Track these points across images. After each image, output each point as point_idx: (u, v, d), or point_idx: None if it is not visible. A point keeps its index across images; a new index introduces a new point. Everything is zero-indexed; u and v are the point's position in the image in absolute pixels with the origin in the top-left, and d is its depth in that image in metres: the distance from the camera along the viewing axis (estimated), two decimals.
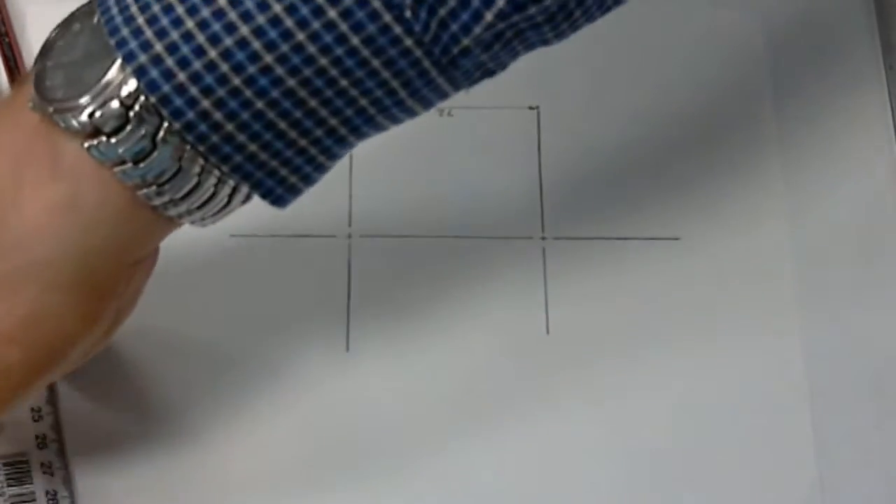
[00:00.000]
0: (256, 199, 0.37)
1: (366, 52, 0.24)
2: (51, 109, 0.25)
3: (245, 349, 0.36)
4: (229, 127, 0.24)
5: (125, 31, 0.23)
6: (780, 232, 0.38)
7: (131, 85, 0.24)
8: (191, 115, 0.24)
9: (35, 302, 0.26)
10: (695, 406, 0.36)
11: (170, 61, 0.23)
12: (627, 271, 0.37)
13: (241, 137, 0.24)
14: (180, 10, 0.23)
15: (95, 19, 0.24)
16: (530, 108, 0.39)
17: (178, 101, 0.23)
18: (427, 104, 0.27)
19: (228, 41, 0.23)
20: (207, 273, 0.37)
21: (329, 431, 0.35)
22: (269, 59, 0.23)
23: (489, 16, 0.24)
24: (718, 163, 0.39)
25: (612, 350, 0.36)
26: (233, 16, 0.23)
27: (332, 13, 0.23)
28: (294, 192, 0.27)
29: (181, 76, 0.23)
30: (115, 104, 0.24)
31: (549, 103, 0.39)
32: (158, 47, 0.23)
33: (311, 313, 0.37)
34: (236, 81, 0.23)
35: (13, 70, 0.39)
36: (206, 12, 0.23)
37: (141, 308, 0.36)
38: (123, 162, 0.24)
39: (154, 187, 0.25)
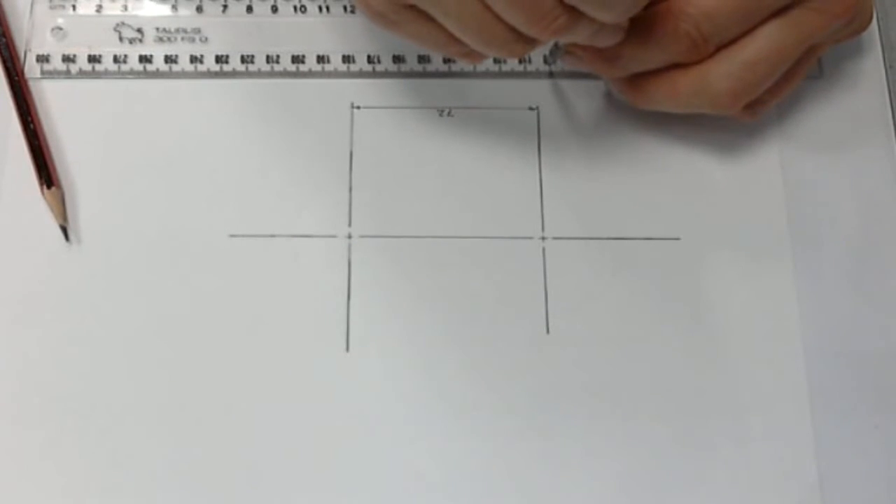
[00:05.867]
0: (256, 199, 0.38)
1: None
2: None
3: (244, 349, 0.36)
4: None
5: None
6: (779, 231, 0.38)
7: None
8: None
9: None
10: (694, 406, 0.36)
11: None
12: (627, 271, 0.37)
13: None
14: None
15: None
16: (530, 108, 0.39)
17: None
18: None
19: None
20: (207, 273, 0.37)
21: (329, 431, 0.35)
22: None
23: None
24: (718, 163, 0.39)
25: (612, 350, 0.36)
26: None
27: None
28: None
29: None
30: None
31: (549, 103, 0.39)
32: None
33: (311, 313, 0.37)
34: None
35: (12, 72, 0.39)
36: None
37: (141, 307, 0.36)
38: None
39: None
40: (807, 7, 0.34)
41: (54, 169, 0.38)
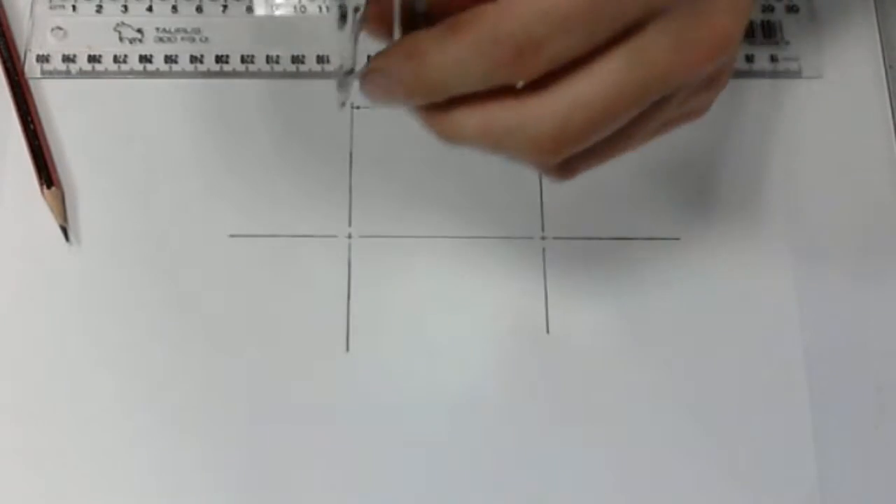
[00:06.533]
0: (256, 199, 0.38)
1: None
2: None
3: (244, 349, 0.36)
4: None
5: None
6: (779, 232, 0.38)
7: None
8: None
9: None
10: (695, 406, 0.36)
11: None
12: (627, 271, 0.37)
13: None
14: None
15: None
16: None
17: None
18: None
19: None
20: (207, 273, 0.37)
21: (329, 431, 0.35)
22: None
23: None
24: (718, 163, 0.39)
25: (612, 350, 0.36)
26: None
27: None
28: None
29: None
30: None
31: None
32: None
33: (311, 313, 0.37)
34: None
35: (12, 72, 0.39)
36: None
37: (141, 307, 0.36)
38: None
39: None
40: (660, 32, 0.25)
41: (54, 169, 0.38)
